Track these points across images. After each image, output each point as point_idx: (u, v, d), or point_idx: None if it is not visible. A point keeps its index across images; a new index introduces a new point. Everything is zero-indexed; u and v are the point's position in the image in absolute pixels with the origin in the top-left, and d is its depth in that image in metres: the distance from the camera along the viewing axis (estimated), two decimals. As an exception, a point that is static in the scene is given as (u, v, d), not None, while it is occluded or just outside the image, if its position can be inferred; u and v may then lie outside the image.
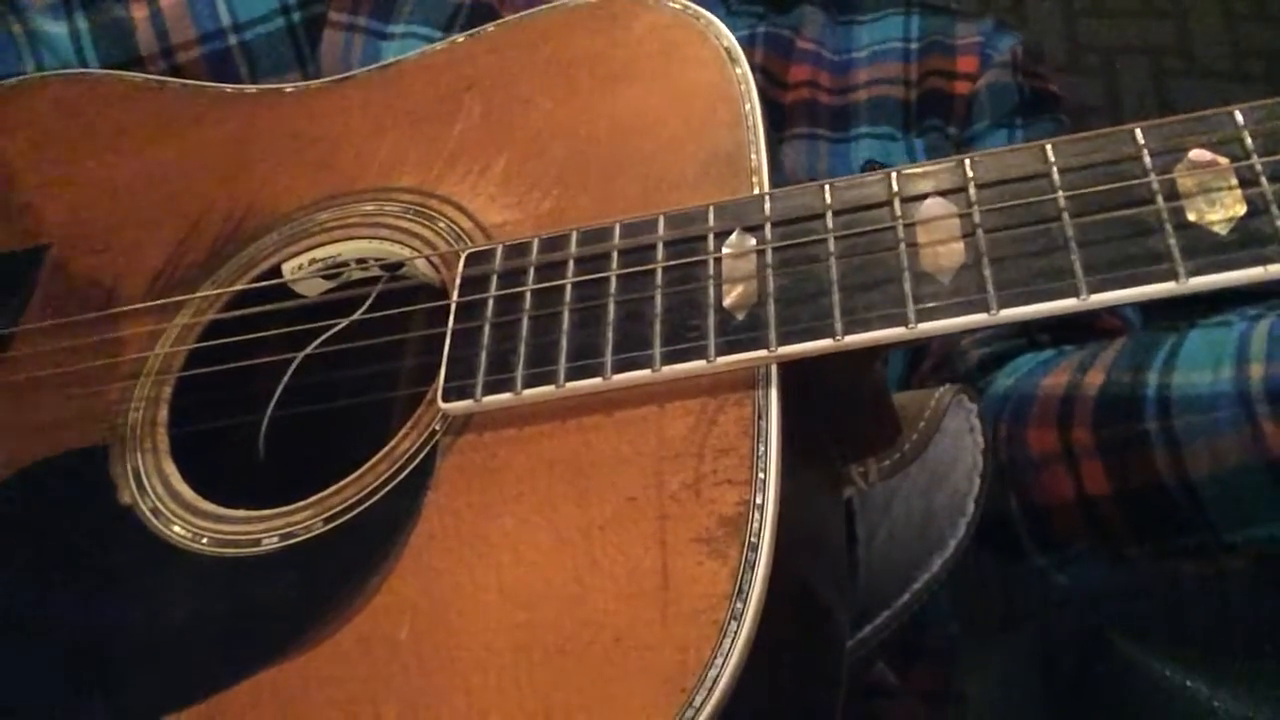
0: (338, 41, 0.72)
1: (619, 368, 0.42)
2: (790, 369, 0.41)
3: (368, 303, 0.52)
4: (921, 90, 0.72)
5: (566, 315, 0.44)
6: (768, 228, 0.43)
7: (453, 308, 0.46)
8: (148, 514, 0.48)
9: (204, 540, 0.46)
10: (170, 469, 0.49)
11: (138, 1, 0.72)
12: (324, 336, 0.52)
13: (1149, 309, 0.67)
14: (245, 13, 0.72)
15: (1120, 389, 0.55)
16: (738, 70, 0.50)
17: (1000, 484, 0.60)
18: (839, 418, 0.48)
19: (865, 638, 0.51)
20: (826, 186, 0.43)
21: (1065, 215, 0.39)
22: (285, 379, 0.52)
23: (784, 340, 0.40)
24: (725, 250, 0.43)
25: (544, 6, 0.58)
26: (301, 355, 0.53)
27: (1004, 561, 0.65)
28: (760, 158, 0.46)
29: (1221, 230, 0.37)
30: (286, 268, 0.55)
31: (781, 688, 0.41)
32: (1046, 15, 1.59)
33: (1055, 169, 0.40)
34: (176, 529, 0.47)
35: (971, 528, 0.51)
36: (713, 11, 0.52)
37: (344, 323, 0.52)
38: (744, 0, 0.75)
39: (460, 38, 0.59)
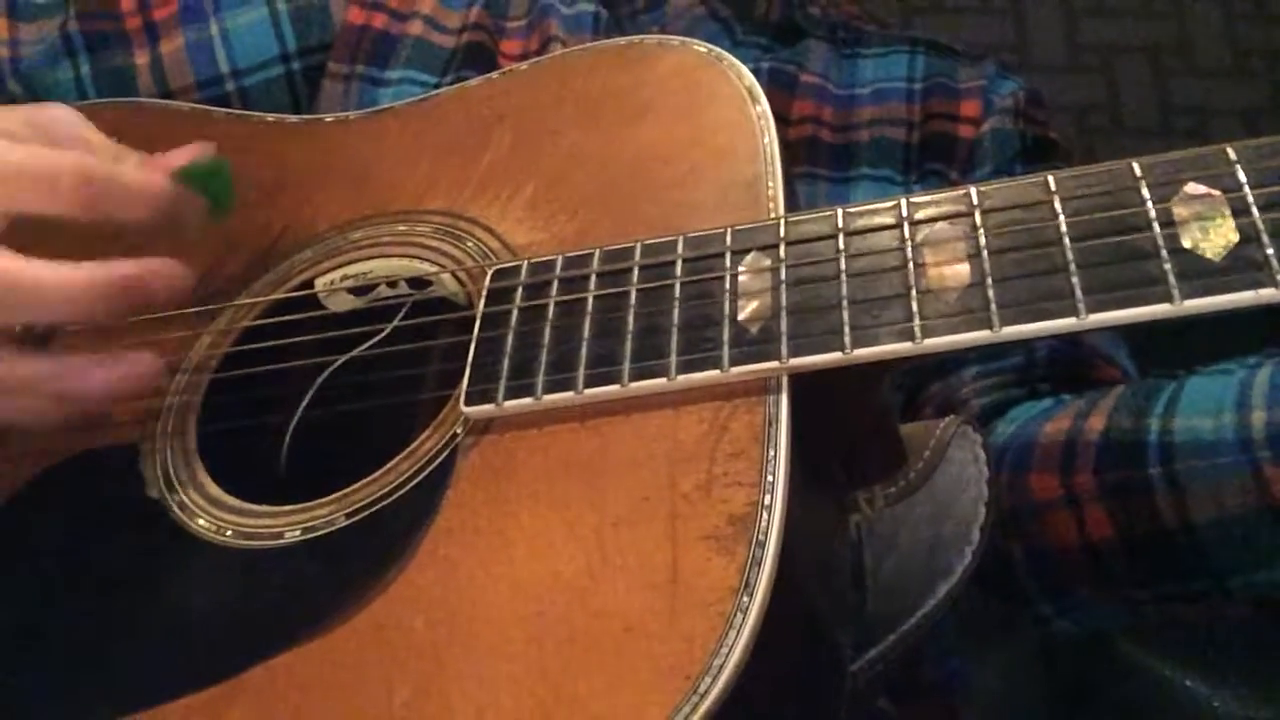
0: (336, 92, 0.73)
1: (636, 376, 0.44)
2: (801, 384, 0.43)
3: (403, 311, 0.54)
4: (924, 133, 0.73)
5: (587, 325, 0.46)
6: (782, 247, 0.45)
7: (478, 317, 0.48)
8: (174, 508, 0.49)
9: (228, 533, 0.48)
10: (198, 466, 0.51)
11: (140, 49, 0.74)
12: (365, 346, 0.54)
13: (1147, 359, 0.68)
14: (244, 60, 0.74)
15: (1122, 434, 0.56)
16: (758, 108, 0.52)
17: (1003, 531, 0.61)
18: (846, 438, 0.49)
19: (871, 659, 0.52)
20: (840, 211, 0.45)
21: (1066, 239, 0.41)
22: (318, 383, 0.54)
23: (795, 352, 0.42)
24: (741, 268, 0.45)
25: (574, 49, 0.62)
26: (340, 362, 0.55)
27: (1007, 607, 0.65)
28: (777, 187, 0.49)
29: (1215, 256, 0.39)
30: (319, 283, 0.57)
31: (782, 696, 0.42)
32: (1046, 15, 1.61)
33: (1057, 198, 0.42)
34: (201, 522, 0.48)
35: (977, 555, 0.52)
36: (718, 43, 0.55)
37: (385, 330, 0.54)
38: (750, 32, 0.77)
39: (495, 75, 0.62)
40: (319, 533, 0.46)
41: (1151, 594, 0.58)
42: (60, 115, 0.52)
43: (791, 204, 0.49)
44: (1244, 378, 0.54)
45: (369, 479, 0.47)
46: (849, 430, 0.49)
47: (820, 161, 0.72)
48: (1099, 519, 0.57)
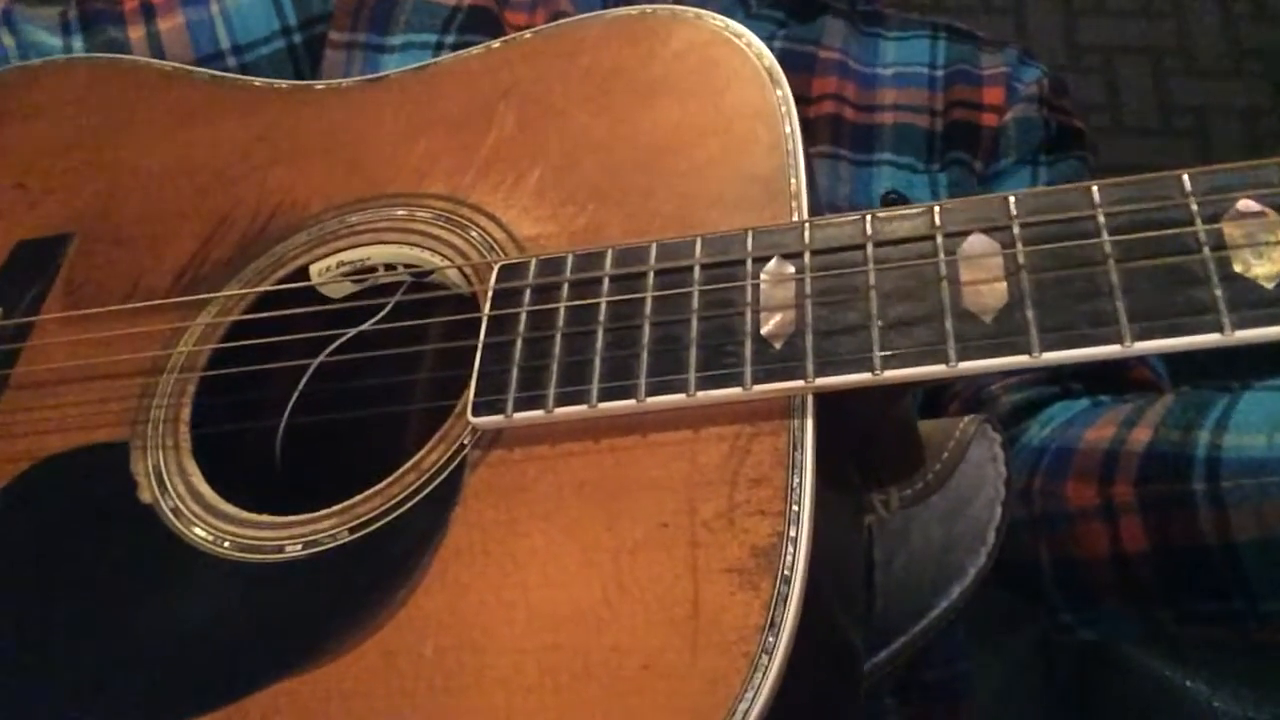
0: (339, 61, 0.71)
1: (653, 390, 0.42)
2: (825, 400, 0.41)
3: (387, 307, 0.51)
4: (947, 121, 0.71)
5: (600, 334, 0.43)
6: (807, 255, 0.43)
7: (484, 320, 0.46)
8: (169, 514, 0.48)
9: (226, 544, 0.46)
10: (192, 468, 0.49)
11: (134, 24, 0.72)
12: (339, 341, 0.52)
13: (1174, 362, 0.66)
14: (245, 34, 0.72)
15: (1169, 446, 0.54)
16: (779, 92, 0.49)
17: (1032, 534, 0.60)
18: (864, 446, 0.48)
19: (880, 661, 0.51)
20: (868, 217, 0.43)
21: (1110, 260, 0.38)
22: (302, 382, 0.52)
23: (821, 372, 0.40)
24: (763, 277, 0.43)
25: (582, 16, 0.58)
26: (319, 359, 0.53)
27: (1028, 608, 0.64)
28: (800, 182, 0.46)
29: (1268, 284, 0.37)
30: (314, 269, 0.54)
31: (805, 705, 0.41)
32: (1046, 15, 1.60)
33: (1101, 212, 0.39)
34: (198, 531, 0.47)
35: (992, 557, 0.51)
36: (732, 15, 0.52)
37: (365, 326, 0.52)
38: (765, 4, 0.74)
39: (497, 43, 0.59)
40: (322, 548, 0.44)
41: (1179, 612, 0.57)
42: None
43: (813, 196, 0.47)
44: None
45: (373, 491, 0.45)
46: (869, 438, 0.47)
47: (843, 142, 0.69)
48: (1134, 531, 0.55)
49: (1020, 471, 0.60)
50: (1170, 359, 0.67)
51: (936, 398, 0.68)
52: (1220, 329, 0.37)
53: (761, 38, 0.52)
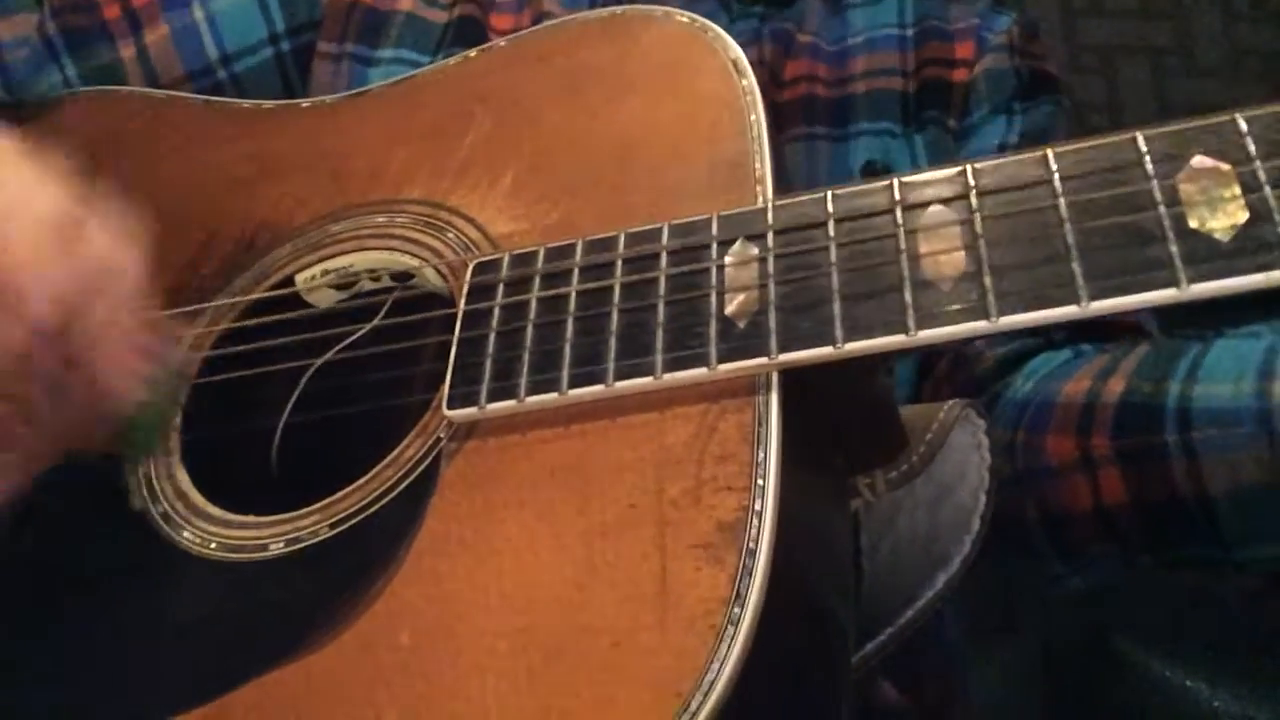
0: (327, 71, 0.71)
1: (621, 375, 0.42)
2: (793, 377, 0.41)
3: (383, 310, 0.52)
4: (920, 80, 0.70)
5: (570, 323, 0.44)
6: (770, 236, 0.43)
7: (459, 316, 0.46)
8: (158, 519, 0.48)
9: (212, 545, 0.47)
10: (181, 475, 0.50)
11: (123, 40, 0.72)
12: (341, 345, 0.53)
13: (1166, 311, 0.66)
14: (233, 43, 0.71)
15: (1141, 398, 0.55)
16: (744, 82, 0.50)
17: (1018, 490, 0.60)
18: (844, 428, 0.48)
19: (869, 653, 0.51)
20: (829, 195, 0.43)
21: (1066, 223, 0.39)
22: (300, 386, 0.53)
23: (784, 348, 0.40)
24: (728, 259, 0.43)
25: (557, 20, 0.59)
26: (318, 363, 0.54)
27: (1020, 565, 0.64)
28: (765, 166, 0.47)
29: (1224, 237, 0.37)
30: (299, 278, 0.55)
31: (784, 695, 0.41)
32: (1046, 15, 1.60)
33: (1057, 176, 0.40)
34: (186, 534, 0.47)
35: (977, 544, 0.51)
36: (716, 19, 0.53)
37: (361, 331, 0.53)
38: (746, 2, 0.75)
39: (473, 52, 0.60)
40: (304, 544, 0.45)
41: (1160, 559, 0.57)
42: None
43: (781, 180, 0.47)
44: (1271, 344, 0.52)
45: (353, 487, 0.46)
46: (845, 418, 0.47)
47: (818, 120, 0.69)
48: (1113, 483, 0.55)
49: (1005, 427, 0.60)
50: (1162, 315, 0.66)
51: (925, 359, 0.68)
52: (1176, 284, 0.36)
53: (748, 34, 0.53)
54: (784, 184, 0.47)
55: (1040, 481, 0.59)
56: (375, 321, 0.52)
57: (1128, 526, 0.56)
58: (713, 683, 0.35)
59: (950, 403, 0.53)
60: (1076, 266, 0.38)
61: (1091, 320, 0.64)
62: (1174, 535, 0.55)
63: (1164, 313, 0.65)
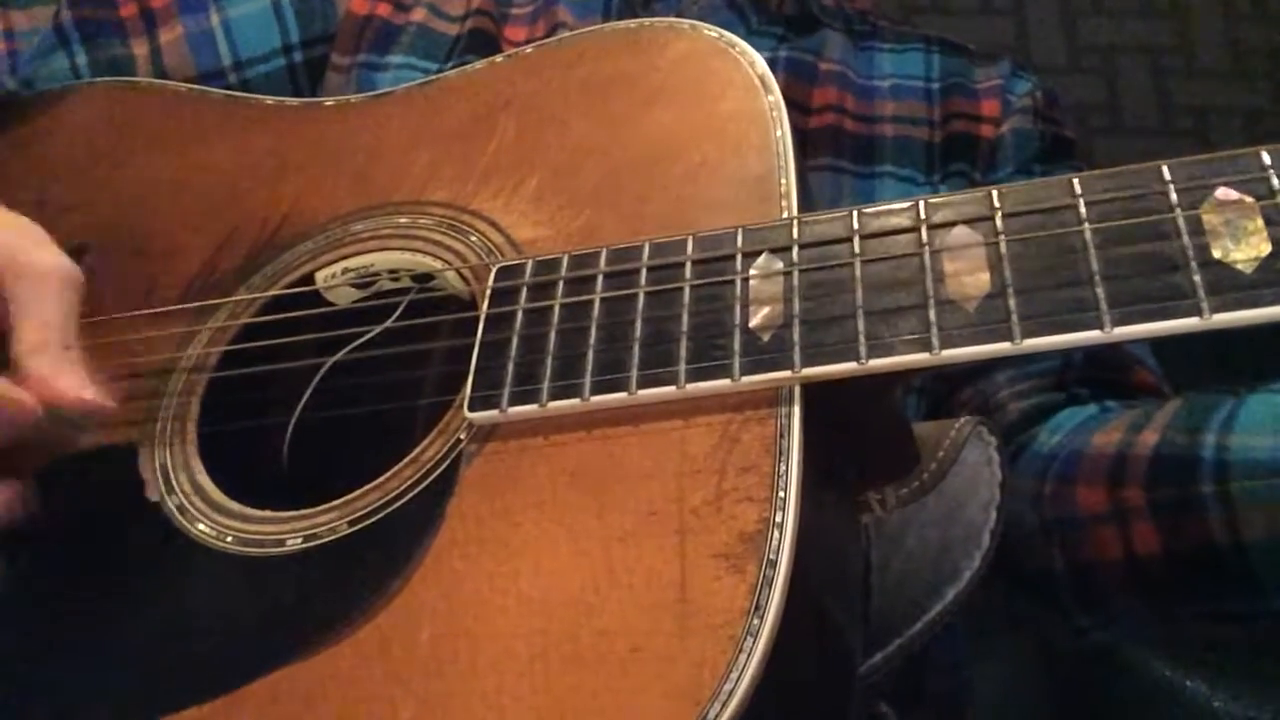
0: (338, 83, 0.72)
1: (644, 383, 0.43)
2: (814, 391, 0.42)
3: (399, 310, 0.52)
4: (946, 132, 0.72)
5: (594, 330, 0.44)
6: (795, 250, 0.43)
7: (482, 319, 0.47)
8: (174, 511, 0.49)
9: (228, 539, 0.47)
10: (198, 468, 0.50)
11: (137, 38, 0.72)
12: (356, 343, 0.53)
13: (1173, 374, 0.66)
14: (246, 50, 0.72)
15: (1176, 449, 0.54)
16: (770, 98, 0.50)
17: (1045, 542, 0.60)
18: (858, 442, 0.48)
19: (875, 665, 0.51)
20: (855, 213, 0.44)
21: (1091, 248, 0.39)
22: (314, 383, 0.53)
23: (808, 362, 0.41)
24: (753, 272, 0.44)
25: (582, 30, 0.60)
26: (331, 361, 0.54)
27: (1043, 618, 0.64)
28: (790, 182, 0.47)
29: (1247, 269, 0.37)
30: (319, 276, 0.56)
31: (794, 706, 0.41)
32: (1046, 15, 1.60)
33: (1082, 202, 0.40)
34: (201, 527, 0.48)
35: (986, 561, 0.51)
36: (733, 31, 0.53)
37: (377, 330, 0.53)
38: (765, 21, 0.76)
39: (499, 58, 0.60)
40: (321, 540, 0.45)
41: (1194, 612, 0.57)
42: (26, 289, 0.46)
43: (805, 199, 0.48)
44: None
45: (372, 485, 0.46)
46: (861, 434, 0.48)
47: (844, 154, 0.71)
48: (1146, 535, 0.55)
49: (1031, 478, 0.60)
50: (1169, 371, 0.67)
51: (943, 404, 0.68)
52: (1199, 313, 0.37)
53: (764, 53, 0.53)
54: (809, 203, 0.48)
55: (1069, 532, 0.59)
56: (389, 322, 0.52)
57: (1159, 577, 0.55)
58: (730, 693, 0.36)
59: (962, 420, 0.53)
60: (1100, 292, 0.38)
61: (1113, 378, 0.65)
62: (1209, 586, 0.55)
63: (1188, 373, 0.65)
